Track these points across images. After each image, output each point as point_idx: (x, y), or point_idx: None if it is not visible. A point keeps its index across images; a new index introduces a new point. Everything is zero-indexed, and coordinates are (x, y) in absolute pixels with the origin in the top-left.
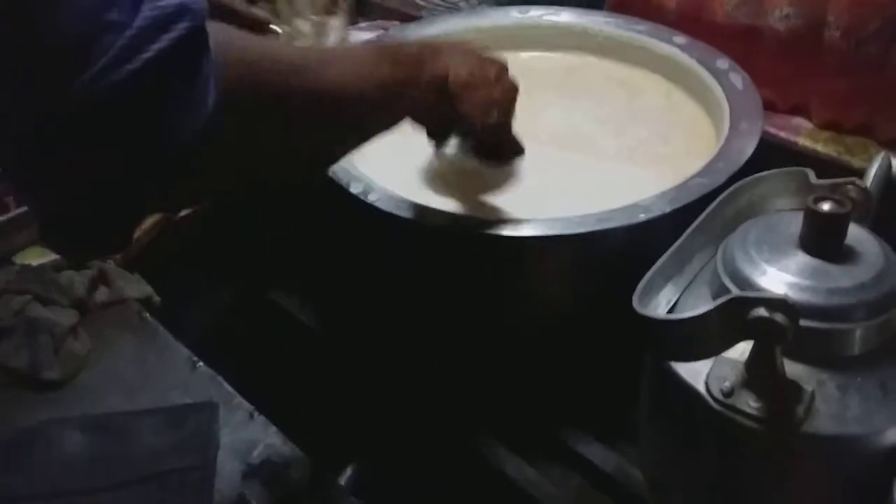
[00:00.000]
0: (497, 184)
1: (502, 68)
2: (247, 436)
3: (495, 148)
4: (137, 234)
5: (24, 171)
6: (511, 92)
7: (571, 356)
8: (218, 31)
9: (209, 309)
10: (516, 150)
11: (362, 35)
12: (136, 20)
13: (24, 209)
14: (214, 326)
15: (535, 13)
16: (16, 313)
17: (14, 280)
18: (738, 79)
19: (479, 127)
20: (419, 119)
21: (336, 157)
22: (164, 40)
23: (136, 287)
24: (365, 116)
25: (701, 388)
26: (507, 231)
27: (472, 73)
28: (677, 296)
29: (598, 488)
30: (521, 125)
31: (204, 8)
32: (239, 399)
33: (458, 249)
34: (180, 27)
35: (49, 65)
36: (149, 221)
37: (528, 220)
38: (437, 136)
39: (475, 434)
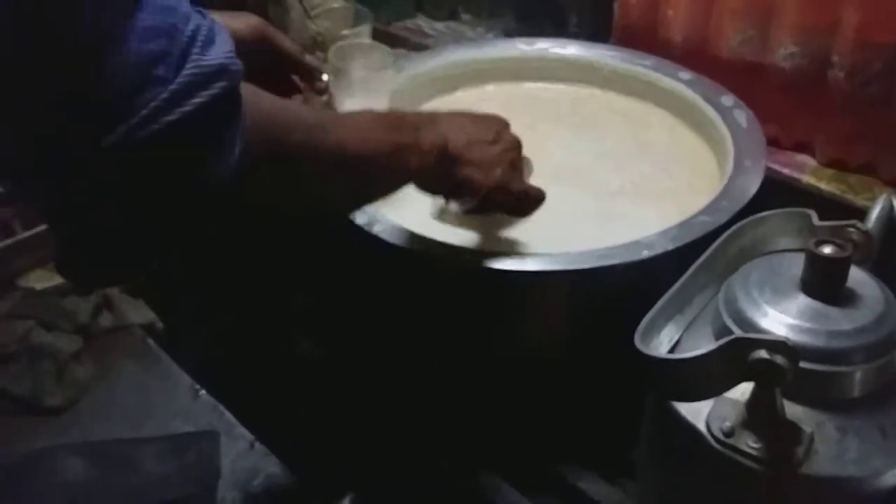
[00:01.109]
0: (500, 215)
1: (501, 126)
2: (247, 465)
3: (506, 205)
4: None
5: (56, 204)
6: (512, 149)
7: (573, 392)
8: (248, 92)
9: (211, 334)
10: (536, 198)
11: None
12: (179, 77)
13: (28, 233)
14: (216, 351)
15: (542, 45)
16: (19, 339)
17: (18, 305)
18: (742, 116)
19: (483, 189)
20: (423, 184)
21: (348, 210)
22: (203, 96)
23: (139, 313)
24: (371, 176)
25: (702, 427)
26: (509, 265)
27: (470, 136)
28: (679, 334)
29: None
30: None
31: (240, 70)
32: (240, 429)
33: (461, 283)
34: (217, 86)
35: (95, 111)
36: None
37: (530, 255)
38: (444, 197)
39: (477, 469)
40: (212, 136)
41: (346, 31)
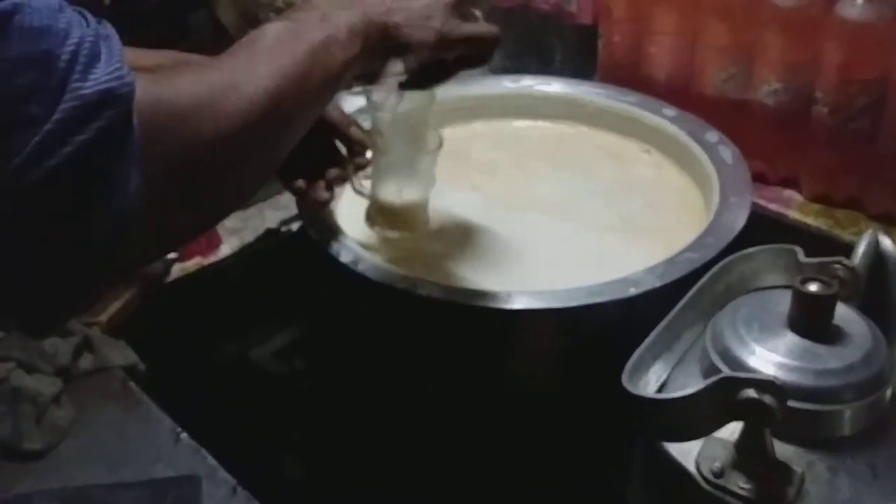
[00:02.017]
0: (488, 252)
1: None
2: None
3: (459, 57)
4: (123, 300)
5: None
6: None
7: (563, 429)
8: (142, 100)
9: (194, 374)
10: (489, 37)
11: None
12: (55, 112)
13: None
14: (199, 392)
15: (527, 83)
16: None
17: None
18: (727, 152)
19: (425, 46)
20: (361, 73)
21: (288, 148)
22: (88, 131)
23: (120, 354)
24: (305, 100)
25: (691, 467)
26: (497, 304)
27: None
28: (667, 373)
29: None
30: (513, 193)
31: (131, 89)
32: (222, 473)
33: (448, 321)
34: (104, 116)
35: None
36: (132, 288)
37: (518, 293)
38: (377, 78)
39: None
40: (102, 173)
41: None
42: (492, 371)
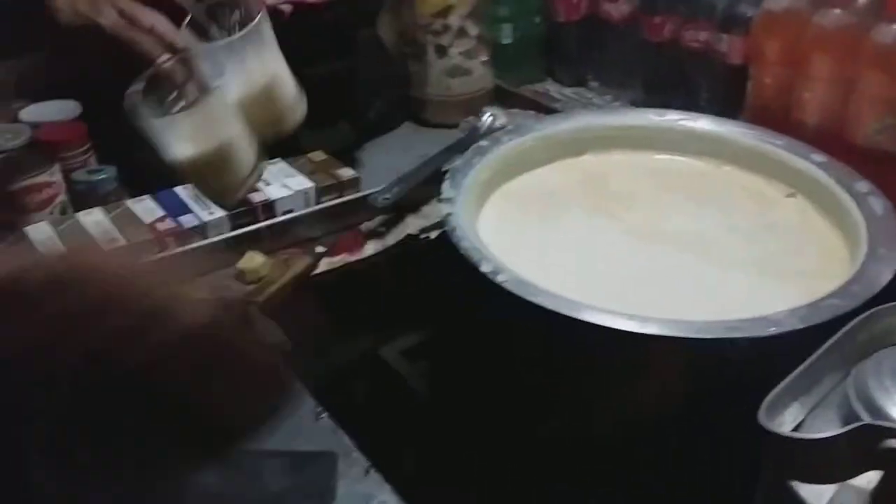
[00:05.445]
0: (623, 279)
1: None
2: (362, 490)
3: None
4: (279, 285)
5: None
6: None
7: (685, 461)
8: None
9: (333, 364)
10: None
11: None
12: None
13: None
14: (337, 381)
15: (672, 117)
16: None
17: None
18: (877, 203)
19: None
20: None
21: None
22: None
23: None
24: None
25: None
26: (630, 326)
27: None
28: (803, 416)
29: None
30: (650, 224)
31: None
32: (357, 454)
33: (579, 339)
34: None
35: None
36: (287, 275)
37: (654, 319)
38: None
39: None
40: None
41: None
42: (620, 395)
